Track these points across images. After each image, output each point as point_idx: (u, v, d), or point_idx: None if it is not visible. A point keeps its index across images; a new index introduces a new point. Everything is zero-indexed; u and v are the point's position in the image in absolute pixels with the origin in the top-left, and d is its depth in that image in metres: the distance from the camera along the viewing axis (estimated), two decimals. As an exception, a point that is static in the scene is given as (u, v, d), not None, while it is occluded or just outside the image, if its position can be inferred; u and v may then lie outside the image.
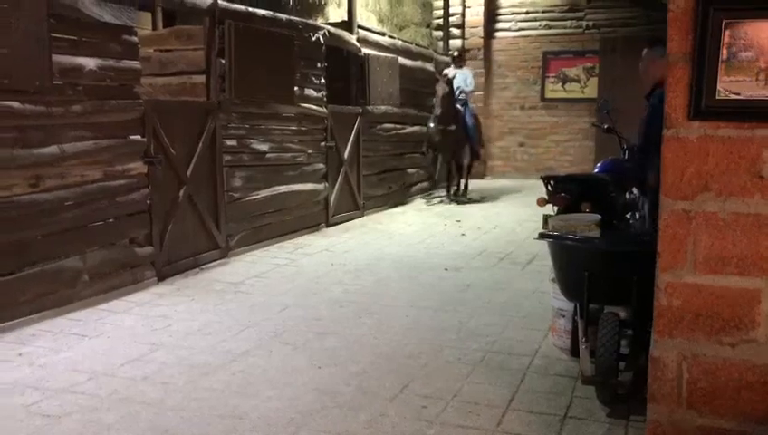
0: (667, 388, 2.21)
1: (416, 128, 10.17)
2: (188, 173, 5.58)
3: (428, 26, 11.98)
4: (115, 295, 4.80)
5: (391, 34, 9.80)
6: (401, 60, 9.55)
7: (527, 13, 12.94)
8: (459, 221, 8.30)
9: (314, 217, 7.57)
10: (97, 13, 4.65)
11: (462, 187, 10.39)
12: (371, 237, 7.30)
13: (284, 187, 6.94)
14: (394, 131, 9.55)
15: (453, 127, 9.39)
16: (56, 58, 4.31)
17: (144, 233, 5.16)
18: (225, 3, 5.94)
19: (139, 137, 5.08)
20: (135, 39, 5.03)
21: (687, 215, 2.11)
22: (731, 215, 2.08)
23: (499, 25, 13.15)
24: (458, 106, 9.71)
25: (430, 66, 10.78)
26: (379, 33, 9.03)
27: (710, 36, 2.00)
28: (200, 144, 5.72)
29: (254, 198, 6.48)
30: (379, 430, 2.88)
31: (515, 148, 13.32)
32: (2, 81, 3.99)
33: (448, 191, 10.09)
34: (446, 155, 9.90)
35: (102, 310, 4.57)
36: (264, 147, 6.61)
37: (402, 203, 9.77)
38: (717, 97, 2.04)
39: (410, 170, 10.23)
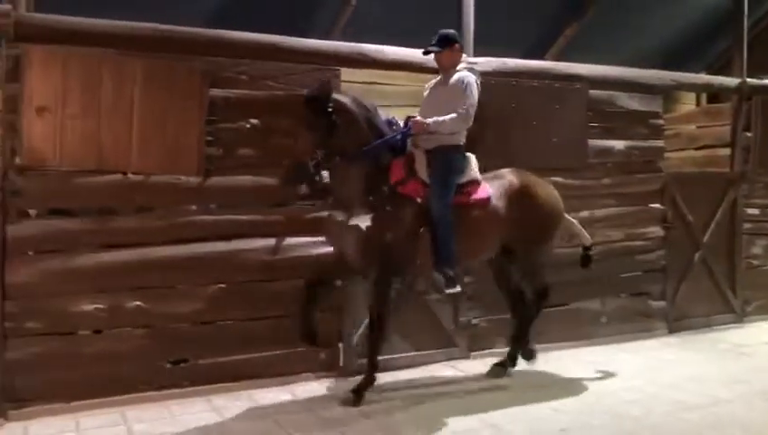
0: None
1: None
2: (705, 239, 6.06)
3: None
4: (627, 338, 5.65)
5: None
6: None
7: None
8: None
9: None
10: (627, 103, 5.71)
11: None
12: None
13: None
14: None
15: (354, 222, 3.99)
16: (591, 142, 5.51)
17: (657, 289, 5.88)
18: (753, 81, 6.26)
19: (658, 205, 5.87)
20: (660, 122, 5.90)
21: None
22: None
23: None
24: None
25: None
26: None
27: None
28: (719, 212, 6.15)
29: (776, 266, 6.47)
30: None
31: None
32: (555, 161, 5.32)
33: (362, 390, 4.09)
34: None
35: (614, 348, 5.47)
36: (791, 216, 6.54)
37: None
38: None
39: None
